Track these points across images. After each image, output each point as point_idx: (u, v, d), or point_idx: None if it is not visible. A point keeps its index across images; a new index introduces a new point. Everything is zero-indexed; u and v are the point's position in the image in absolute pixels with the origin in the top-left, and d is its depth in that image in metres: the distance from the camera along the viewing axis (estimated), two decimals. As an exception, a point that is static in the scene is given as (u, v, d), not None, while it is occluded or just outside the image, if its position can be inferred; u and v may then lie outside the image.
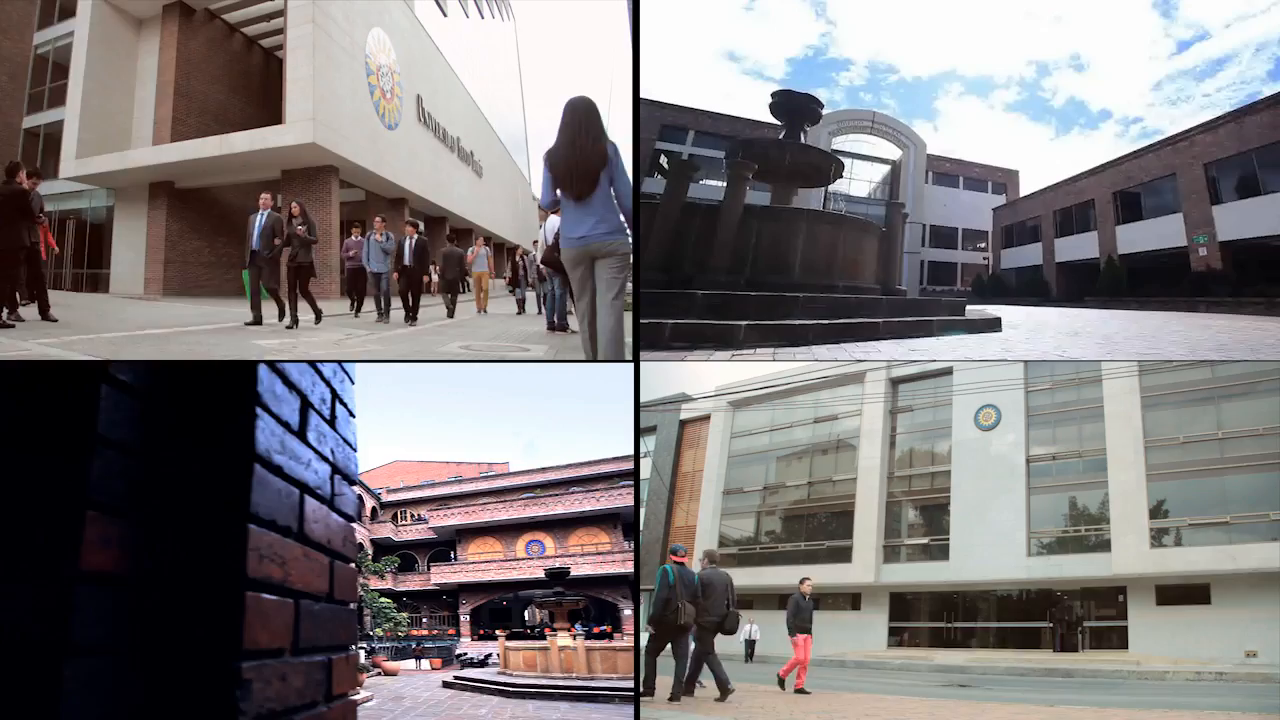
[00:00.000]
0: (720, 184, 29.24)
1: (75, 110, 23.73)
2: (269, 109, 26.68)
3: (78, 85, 23.81)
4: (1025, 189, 46.04)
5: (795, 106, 18.26)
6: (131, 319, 14.62)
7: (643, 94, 40.88)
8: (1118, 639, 15.80)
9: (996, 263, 44.26)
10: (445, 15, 35.63)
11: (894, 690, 11.27)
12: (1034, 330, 16.30)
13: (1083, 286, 34.97)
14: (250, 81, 28.82)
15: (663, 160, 37.44)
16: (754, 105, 52.32)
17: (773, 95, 18.52)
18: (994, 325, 15.23)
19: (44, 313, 12.36)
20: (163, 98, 24.76)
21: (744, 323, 11.48)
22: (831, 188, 24.07)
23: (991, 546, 17.04)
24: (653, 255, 13.96)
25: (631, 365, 10.58)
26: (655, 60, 44.77)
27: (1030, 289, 38.38)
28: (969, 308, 17.19)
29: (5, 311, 11.49)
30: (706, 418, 22.59)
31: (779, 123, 19.01)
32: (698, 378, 21.88)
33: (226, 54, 27.71)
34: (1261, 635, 13.83)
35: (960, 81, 55.91)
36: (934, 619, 18.31)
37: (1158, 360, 14.92)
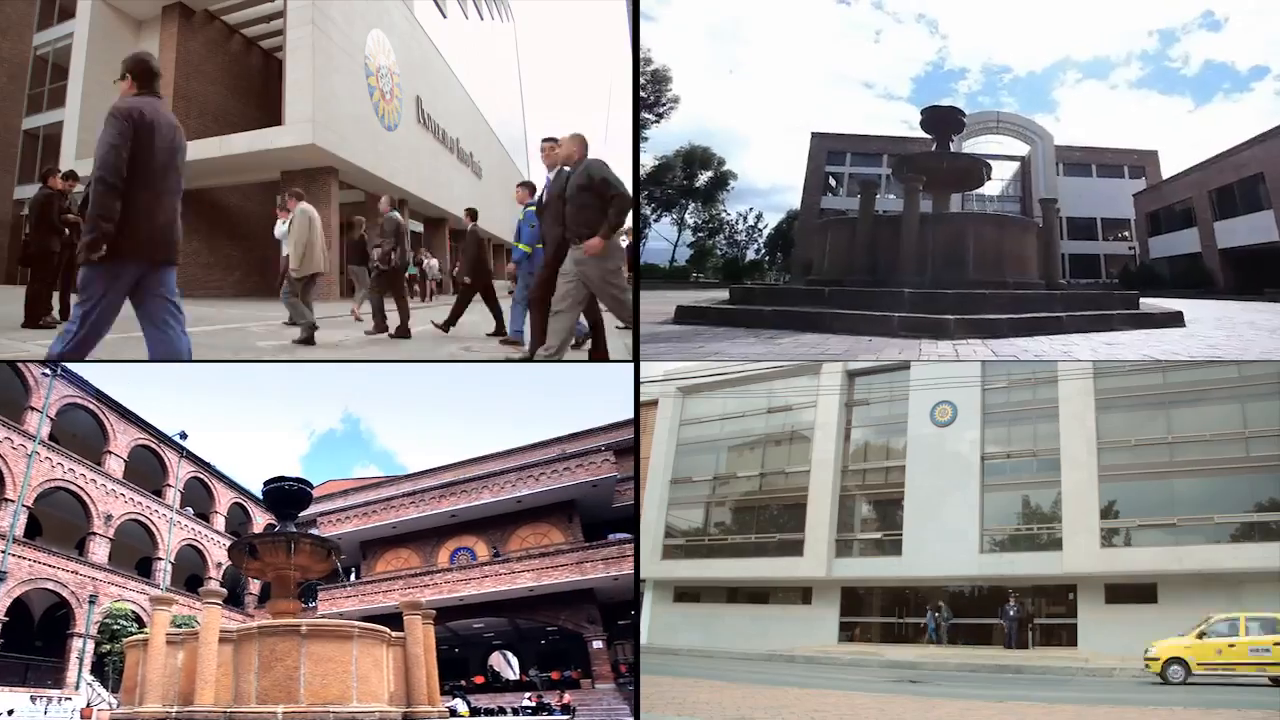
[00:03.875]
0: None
1: (75, 111, 24.07)
2: (268, 110, 26.93)
3: (77, 86, 24.14)
4: (1168, 170, 41.45)
5: (942, 118, 19.44)
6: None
7: (810, 129, 42.80)
8: (1067, 636, 16.03)
9: (1144, 252, 40.11)
10: (445, 16, 35.84)
11: (844, 686, 11.42)
12: (1220, 325, 15.78)
13: (1259, 276, 29.97)
14: (250, 83, 29.08)
15: (830, 181, 40.91)
16: (890, 124, 56.84)
17: (922, 112, 19.78)
18: (1176, 320, 15.04)
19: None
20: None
21: (952, 317, 12.39)
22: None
23: (944, 542, 17.10)
24: (859, 261, 16.31)
25: (632, 365, 10.90)
26: (814, 98, 53.56)
27: (1188, 279, 33.46)
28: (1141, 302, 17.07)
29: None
30: (654, 403, 21.80)
31: (927, 135, 20.21)
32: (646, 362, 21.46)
33: (226, 55, 27.97)
34: (1204, 634, 14.08)
35: (1075, 68, 54.72)
36: (885, 614, 18.32)
37: None
